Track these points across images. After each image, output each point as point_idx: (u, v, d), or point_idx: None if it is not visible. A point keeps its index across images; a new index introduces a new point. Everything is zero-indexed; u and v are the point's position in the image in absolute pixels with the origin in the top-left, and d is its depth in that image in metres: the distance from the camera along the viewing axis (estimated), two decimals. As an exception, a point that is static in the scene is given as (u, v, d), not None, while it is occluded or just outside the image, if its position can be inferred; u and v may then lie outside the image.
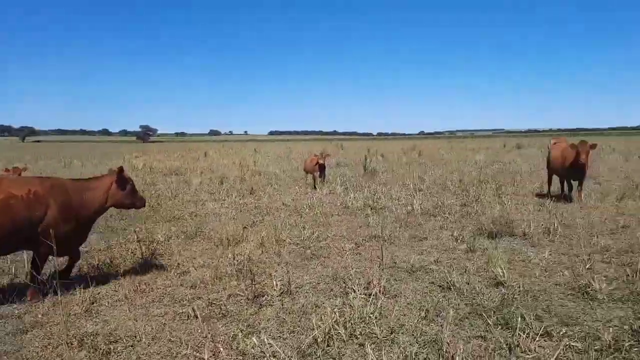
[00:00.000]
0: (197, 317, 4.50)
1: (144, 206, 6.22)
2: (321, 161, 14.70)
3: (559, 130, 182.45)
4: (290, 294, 5.26)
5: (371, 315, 4.44)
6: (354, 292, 5.07)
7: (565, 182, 11.52)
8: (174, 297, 5.27)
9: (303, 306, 4.90)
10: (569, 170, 10.84)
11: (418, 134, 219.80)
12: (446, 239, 7.77)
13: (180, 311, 4.81)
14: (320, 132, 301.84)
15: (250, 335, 4.08)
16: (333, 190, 13.65)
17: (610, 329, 4.04)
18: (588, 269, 5.85)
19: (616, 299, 4.85)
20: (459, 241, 7.50)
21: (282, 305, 4.95)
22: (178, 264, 6.49)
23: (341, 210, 10.65)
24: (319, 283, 5.67)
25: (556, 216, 8.59)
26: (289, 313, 4.73)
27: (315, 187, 14.59)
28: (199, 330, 4.30)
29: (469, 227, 8.39)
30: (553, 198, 11.26)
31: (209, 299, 5.16)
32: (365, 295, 5.01)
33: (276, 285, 5.32)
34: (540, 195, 12.10)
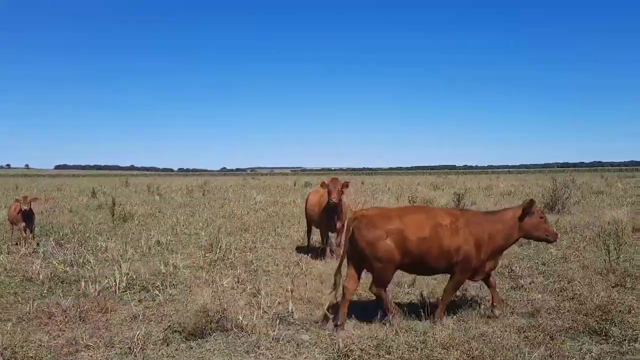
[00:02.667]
0: None
1: (556, 240, 5.98)
2: (24, 207, 10.66)
3: (348, 169, 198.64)
4: None
5: None
6: None
7: (324, 233, 9.74)
8: None
9: None
10: (323, 216, 9.08)
11: (220, 170, 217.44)
12: (121, 344, 4.90)
13: None
14: (117, 167, 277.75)
15: None
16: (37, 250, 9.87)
17: None
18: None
19: None
20: (136, 351, 4.68)
21: None
22: None
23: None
24: None
25: (292, 291, 6.42)
26: None
27: (18, 243, 10.54)
28: None
29: (169, 318, 5.66)
30: (309, 254, 9.38)
31: None
32: None
33: None
34: (300, 249, 10.19)
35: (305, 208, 10.03)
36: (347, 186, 8.82)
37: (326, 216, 8.95)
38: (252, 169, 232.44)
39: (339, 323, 5.16)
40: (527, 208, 5.53)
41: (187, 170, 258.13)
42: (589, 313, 5.45)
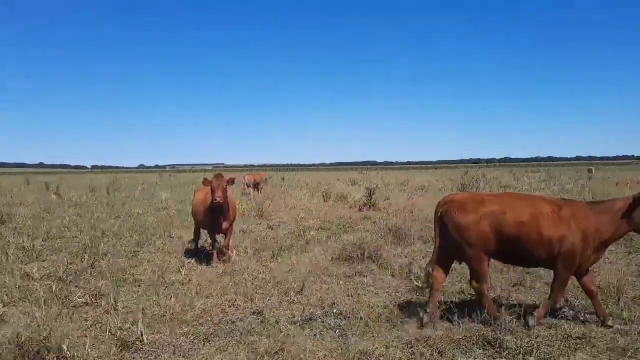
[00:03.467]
0: None
1: None
2: None
3: (272, 165, 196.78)
4: None
5: None
6: None
7: (211, 234, 8.71)
8: None
9: None
10: (208, 215, 8.10)
11: (137, 167, 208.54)
12: None
13: None
14: (24, 165, 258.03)
15: None
16: None
17: None
18: None
19: None
20: None
21: None
22: None
23: None
24: None
25: (155, 306, 5.41)
26: None
27: None
28: None
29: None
30: (194, 258, 8.37)
31: None
32: None
33: None
34: (189, 252, 9.12)
35: (193, 204, 8.95)
36: (232, 182, 7.92)
37: (211, 216, 7.97)
38: (173, 166, 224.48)
39: (428, 311, 5.01)
40: (639, 199, 4.93)
41: (102, 167, 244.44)
42: (484, 320, 4.92)
